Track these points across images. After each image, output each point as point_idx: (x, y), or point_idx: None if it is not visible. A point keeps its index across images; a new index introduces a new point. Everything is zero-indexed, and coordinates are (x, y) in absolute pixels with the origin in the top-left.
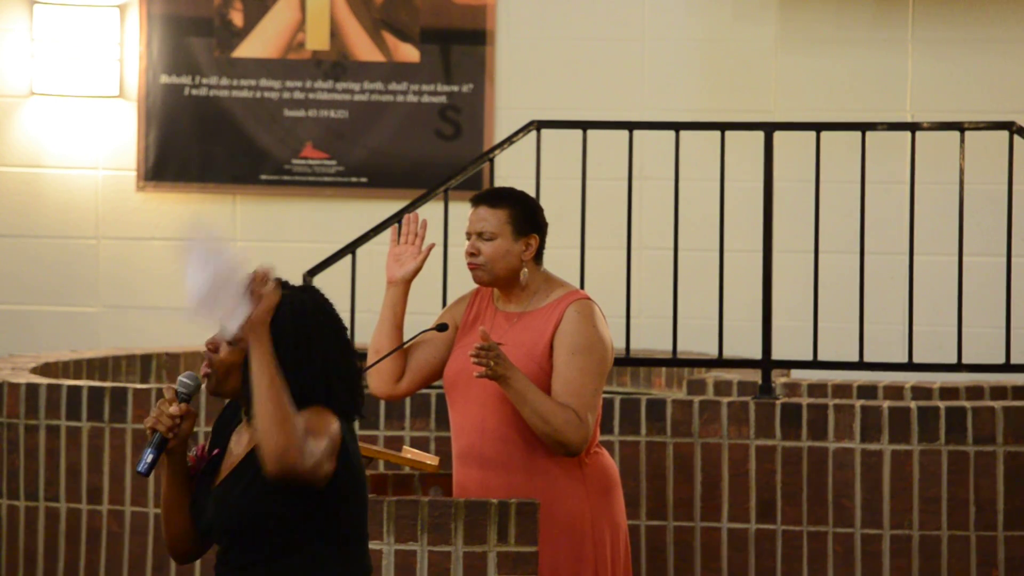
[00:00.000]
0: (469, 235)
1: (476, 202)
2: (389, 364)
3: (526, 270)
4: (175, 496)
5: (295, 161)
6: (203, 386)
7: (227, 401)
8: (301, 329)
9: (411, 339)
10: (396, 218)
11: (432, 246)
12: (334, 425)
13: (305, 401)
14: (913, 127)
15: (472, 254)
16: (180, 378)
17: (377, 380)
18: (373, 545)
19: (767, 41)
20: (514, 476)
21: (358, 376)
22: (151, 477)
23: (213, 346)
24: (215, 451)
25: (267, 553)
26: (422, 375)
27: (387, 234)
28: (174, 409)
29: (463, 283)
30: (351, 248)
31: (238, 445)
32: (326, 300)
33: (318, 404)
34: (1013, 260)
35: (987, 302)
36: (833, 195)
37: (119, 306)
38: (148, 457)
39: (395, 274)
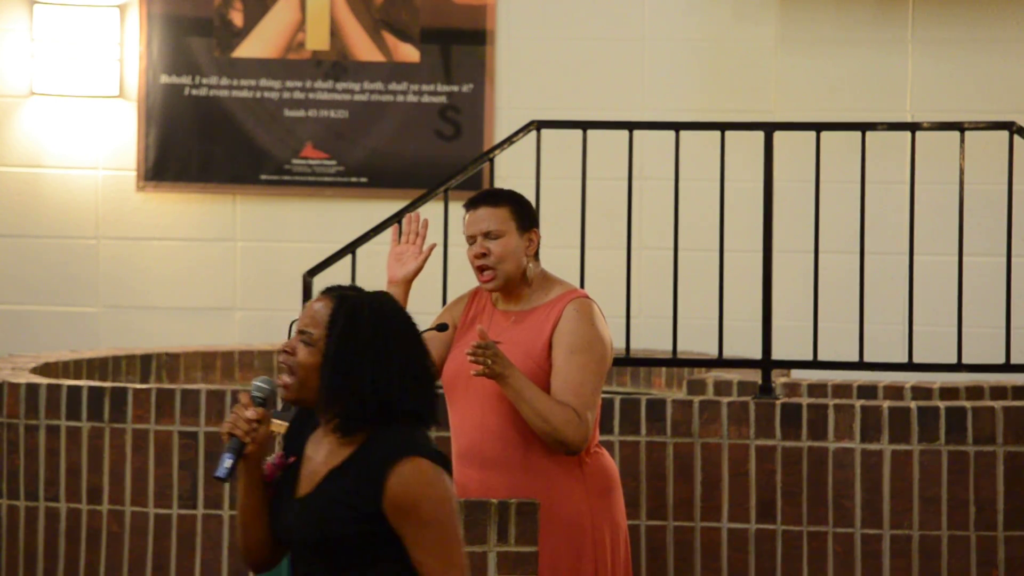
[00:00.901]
0: (472, 239)
1: (474, 204)
2: None
3: (531, 266)
4: (254, 504)
5: (295, 161)
6: (279, 393)
7: (297, 409)
8: (380, 331)
9: None
10: (396, 218)
11: (433, 246)
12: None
13: (379, 404)
14: (913, 127)
15: (482, 255)
16: (255, 382)
17: None
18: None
19: (767, 41)
20: (514, 476)
21: (433, 380)
22: (150, 481)
23: (291, 348)
24: (291, 459)
25: (342, 567)
26: None
27: (387, 234)
28: (251, 413)
29: (463, 283)
30: (351, 248)
31: (316, 453)
32: (403, 308)
33: (390, 407)
34: (1013, 260)
35: (987, 302)
36: (833, 195)
37: (119, 306)
38: (227, 462)
39: (396, 274)
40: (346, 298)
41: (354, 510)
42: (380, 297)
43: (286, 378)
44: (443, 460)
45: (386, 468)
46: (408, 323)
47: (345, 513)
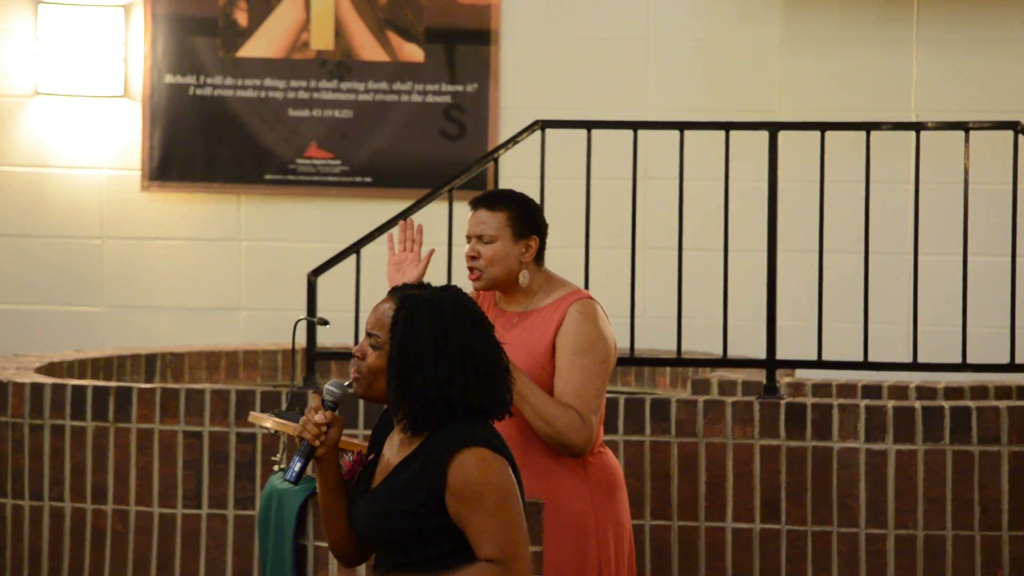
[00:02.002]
0: (469, 238)
1: (475, 205)
2: None
3: (525, 272)
4: (332, 503)
5: (299, 161)
6: (351, 392)
7: (384, 407)
8: (438, 325)
9: None
10: (401, 218)
11: (432, 252)
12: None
13: (443, 402)
14: (917, 127)
15: (472, 257)
16: (327, 386)
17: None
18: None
19: (772, 41)
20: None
21: (504, 372)
22: (155, 481)
23: (361, 352)
24: (371, 456)
25: (405, 560)
26: None
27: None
28: (319, 417)
29: (467, 284)
30: (355, 248)
31: (390, 450)
32: (469, 299)
33: (453, 404)
34: (1018, 260)
35: (992, 302)
36: (837, 195)
37: (124, 306)
38: (296, 466)
39: (398, 283)
40: (407, 298)
41: (415, 503)
42: (441, 293)
43: (356, 376)
44: (506, 450)
45: (447, 459)
46: (470, 316)
47: (406, 506)
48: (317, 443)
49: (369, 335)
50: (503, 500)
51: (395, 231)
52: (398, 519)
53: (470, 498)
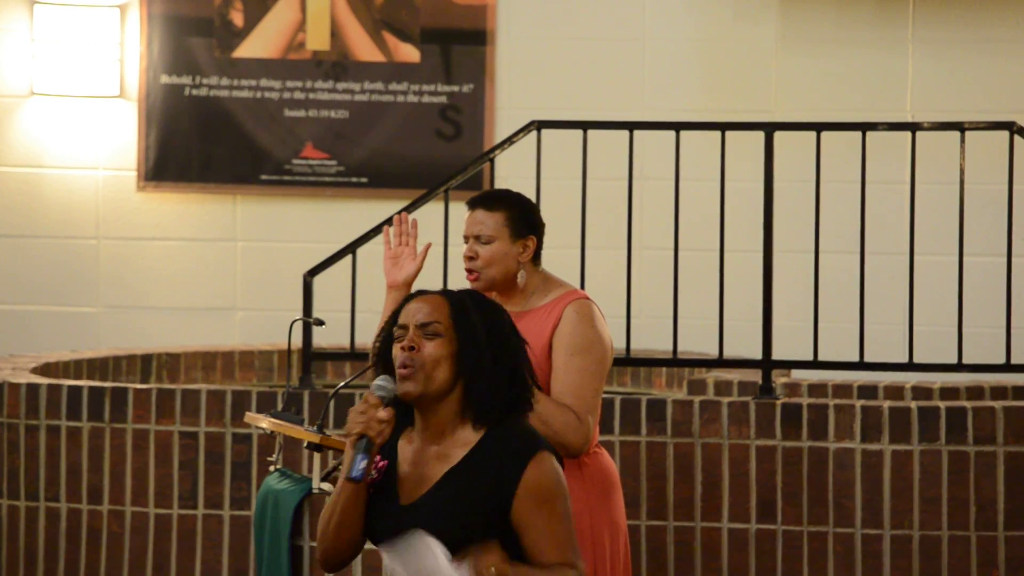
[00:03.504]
0: (466, 239)
1: (472, 205)
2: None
3: (523, 272)
4: (357, 505)
5: (295, 161)
6: (398, 389)
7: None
8: (490, 319)
9: None
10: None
11: (429, 246)
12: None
13: (505, 391)
14: (913, 127)
15: (470, 258)
16: (377, 383)
17: None
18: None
19: (767, 41)
20: None
21: (532, 370)
22: (150, 481)
23: (411, 346)
24: (384, 462)
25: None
26: None
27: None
28: (384, 414)
29: (463, 283)
30: (351, 248)
31: (415, 456)
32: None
33: (513, 393)
34: (1013, 260)
35: (987, 302)
36: (833, 195)
37: (119, 306)
38: (361, 464)
39: (396, 278)
40: (452, 292)
41: (479, 510)
42: (470, 292)
43: (409, 369)
44: (559, 456)
45: (523, 461)
46: (507, 315)
47: (469, 515)
48: (378, 440)
49: (423, 326)
50: (567, 506)
51: (390, 225)
52: (460, 528)
53: (541, 502)
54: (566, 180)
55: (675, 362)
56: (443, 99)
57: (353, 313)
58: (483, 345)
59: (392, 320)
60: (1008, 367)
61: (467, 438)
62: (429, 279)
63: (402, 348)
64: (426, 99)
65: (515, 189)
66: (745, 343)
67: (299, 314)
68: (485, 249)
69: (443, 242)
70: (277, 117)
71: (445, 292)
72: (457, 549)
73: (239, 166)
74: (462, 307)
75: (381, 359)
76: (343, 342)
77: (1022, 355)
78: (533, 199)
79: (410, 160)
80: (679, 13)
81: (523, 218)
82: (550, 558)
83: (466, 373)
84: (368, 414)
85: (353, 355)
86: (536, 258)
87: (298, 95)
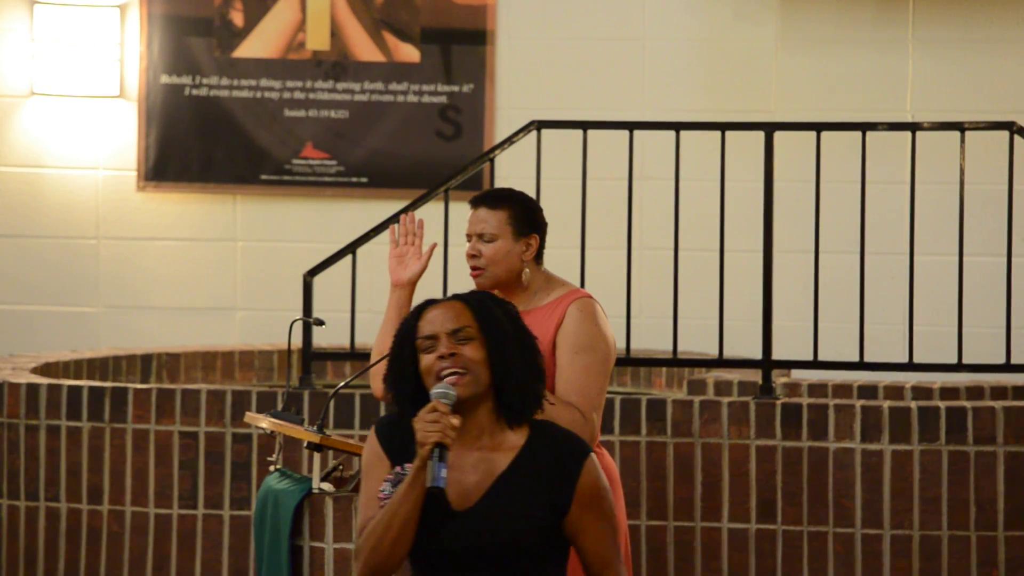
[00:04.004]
0: (469, 237)
1: (475, 203)
2: None
3: (526, 271)
4: (414, 514)
5: (295, 161)
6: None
7: (382, 420)
8: (511, 318)
9: None
10: (396, 218)
11: (434, 246)
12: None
13: (536, 388)
14: (913, 127)
15: (473, 256)
16: (438, 389)
17: (379, 382)
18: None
19: (767, 41)
20: None
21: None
22: (150, 481)
23: (450, 351)
24: (396, 468)
25: (530, 570)
26: None
27: (388, 234)
28: (456, 420)
29: (464, 283)
30: (351, 248)
31: (456, 460)
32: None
33: (540, 391)
34: (1013, 260)
35: (987, 302)
36: (833, 195)
37: (119, 306)
38: (443, 472)
39: (400, 277)
40: (470, 295)
41: (540, 512)
42: (487, 293)
43: (458, 377)
44: None
45: (577, 467)
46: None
47: (527, 519)
48: (453, 446)
49: (455, 332)
50: (612, 504)
51: (396, 224)
52: (522, 531)
53: (595, 503)
54: (566, 180)
55: (675, 362)
56: (443, 99)
57: (353, 313)
58: (512, 343)
59: (406, 334)
60: (1008, 367)
61: (510, 441)
62: (429, 279)
63: (440, 357)
64: (426, 99)
65: (515, 189)
66: (745, 343)
67: (299, 314)
68: (488, 247)
69: (443, 242)
70: (277, 117)
71: (460, 297)
72: (514, 553)
73: (239, 166)
74: (484, 308)
75: (403, 375)
76: (343, 342)
77: (1022, 355)
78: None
79: (410, 160)
80: (679, 13)
81: (526, 217)
82: (606, 560)
83: (499, 373)
84: (442, 422)
85: (353, 355)
86: (539, 257)
87: (298, 95)
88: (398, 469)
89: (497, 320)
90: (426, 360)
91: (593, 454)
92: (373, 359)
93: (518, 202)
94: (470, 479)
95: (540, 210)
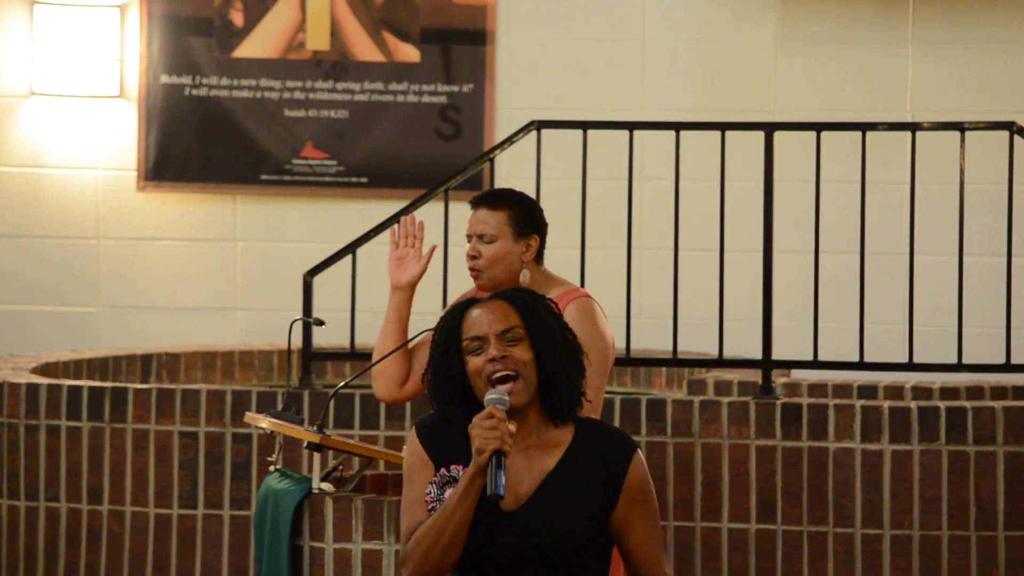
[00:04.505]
0: (469, 237)
1: (476, 204)
2: (393, 367)
3: (527, 271)
4: (469, 520)
5: (295, 161)
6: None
7: (424, 421)
8: (556, 317)
9: (412, 339)
10: (396, 218)
11: (434, 248)
12: None
13: (580, 387)
14: (913, 127)
15: (473, 256)
16: (493, 396)
17: (381, 384)
18: (372, 545)
19: (767, 41)
20: None
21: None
22: (150, 481)
23: (501, 353)
24: (441, 469)
25: (580, 569)
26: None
27: (388, 234)
28: (514, 427)
29: (463, 283)
30: (351, 248)
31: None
32: None
33: (579, 383)
34: (1013, 260)
35: (987, 302)
36: (833, 195)
37: (119, 306)
38: (502, 479)
39: (400, 279)
40: (512, 293)
41: (586, 512)
42: (527, 291)
43: (512, 385)
44: None
45: (627, 460)
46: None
47: (577, 517)
48: (510, 452)
49: (503, 333)
50: (656, 500)
51: (397, 226)
52: (574, 530)
53: (641, 499)
54: (566, 180)
55: (675, 362)
56: (443, 99)
57: (353, 313)
58: (560, 343)
59: (450, 335)
60: (1008, 367)
61: (556, 438)
62: (430, 280)
63: (491, 359)
64: (426, 99)
65: (516, 189)
66: (745, 343)
67: (299, 314)
68: (488, 248)
69: (443, 242)
70: (277, 117)
71: (504, 296)
72: (563, 552)
73: (239, 166)
74: (530, 308)
75: (449, 376)
76: (343, 342)
77: (1022, 355)
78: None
79: (410, 160)
80: (679, 13)
81: (526, 217)
82: (655, 557)
83: (547, 373)
84: (500, 428)
85: (353, 355)
86: (539, 257)
87: (298, 95)
88: (443, 471)
89: (543, 319)
90: (475, 362)
91: (639, 451)
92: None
93: (518, 203)
94: (518, 478)
95: (540, 211)
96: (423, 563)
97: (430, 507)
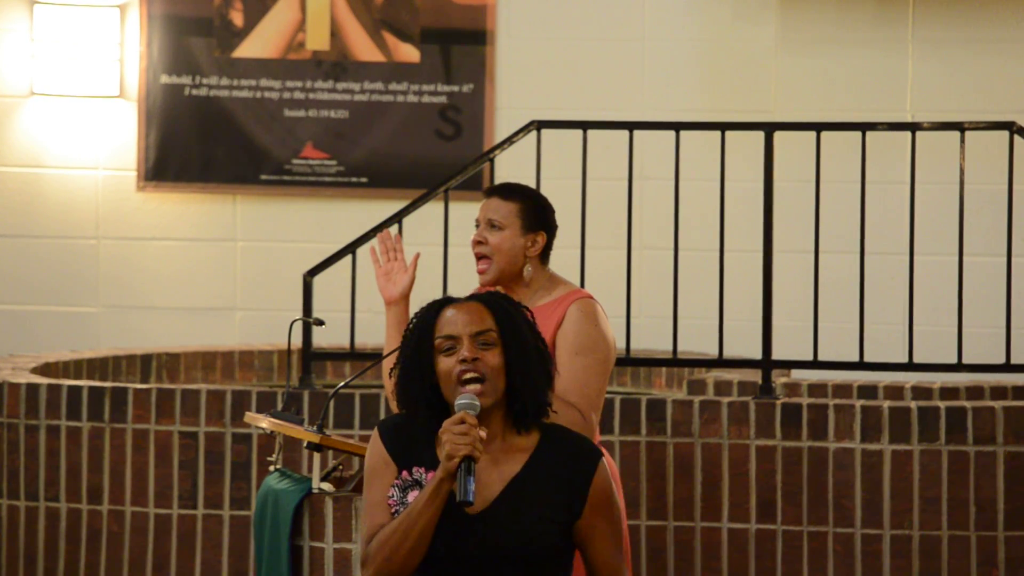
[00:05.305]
0: (478, 223)
1: (489, 193)
2: None
3: (529, 268)
4: (434, 524)
5: (295, 161)
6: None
7: (386, 422)
8: (528, 321)
9: None
10: (396, 218)
11: (417, 255)
12: None
13: (547, 394)
14: (913, 127)
15: (480, 242)
16: (463, 401)
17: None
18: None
19: (767, 41)
20: None
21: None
22: (150, 481)
23: (471, 356)
24: (430, 472)
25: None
26: None
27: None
28: (484, 433)
29: (463, 283)
30: (351, 248)
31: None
32: None
33: (545, 391)
34: (1013, 260)
35: (987, 302)
36: (833, 195)
37: (119, 306)
38: (472, 485)
39: (392, 293)
40: (488, 297)
41: (554, 514)
42: (502, 295)
43: (478, 387)
44: None
45: (591, 469)
46: None
47: (540, 522)
48: (480, 457)
49: (477, 335)
50: (619, 505)
51: (375, 243)
52: (538, 533)
53: (604, 507)
54: (566, 180)
55: (675, 362)
56: (443, 99)
57: (353, 313)
58: (531, 351)
59: (423, 332)
60: (1008, 367)
61: (519, 443)
62: (430, 280)
63: (462, 360)
64: (426, 99)
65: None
66: (745, 343)
67: (299, 314)
68: (495, 235)
69: (443, 242)
70: (277, 117)
71: (480, 298)
72: (526, 557)
73: (239, 166)
74: (505, 313)
75: (419, 374)
76: (343, 342)
77: (1022, 355)
78: None
79: (410, 160)
80: (679, 13)
81: (536, 213)
82: (614, 566)
83: (516, 380)
84: (471, 434)
85: (353, 355)
86: (545, 257)
87: (298, 95)
88: (405, 475)
89: (517, 326)
90: (446, 363)
91: (603, 458)
92: (384, 380)
93: (530, 198)
94: (483, 483)
95: (552, 211)
96: (386, 565)
97: (393, 510)
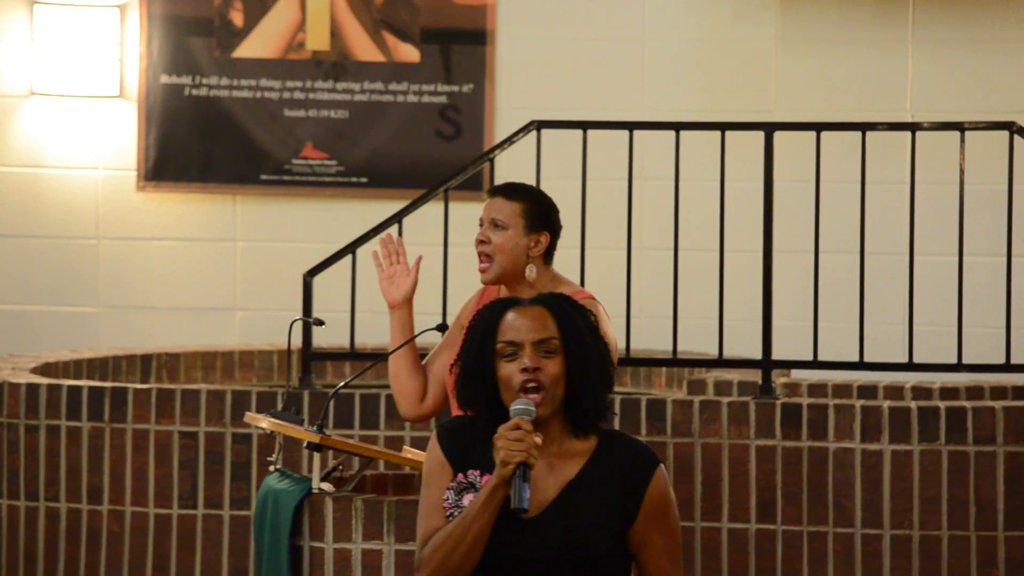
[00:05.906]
0: (481, 222)
1: (493, 193)
2: (409, 383)
3: (532, 267)
4: (489, 529)
5: (295, 161)
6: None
7: (444, 425)
8: (590, 325)
9: (410, 339)
10: (396, 218)
11: (420, 259)
12: None
13: (599, 399)
14: (913, 127)
15: (483, 241)
16: (519, 407)
17: (403, 403)
18: (372, 545)
19: (767, 41)
20: None
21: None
22: (150, 481)
23: (534, 366)
24: (485, 476)
25: None
26: (444, 386)
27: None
28: (539, 438)
29: (463, 283)
30: (351, 248)
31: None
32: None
33: (605, 398)
34: (1013, 260)
35: (987, 302)
36: (833, 195)
37: (119, 306)
38: (527, 492)
39: (395, 297)
40: (549, 299)
41: (610, 520)
42: (566, 298)
43: (538, 395)
44: None
45: (648, 475)
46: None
47: (595, 527)
48: (534, 464)
49: (539, 343)
50: (677, 515)
51: (377, 247)
52: (599, 537)
53: (661, 513)
54: (566, 180)
55: (675, 362)
56: (443, 99)
57: (353, 313)
58: (592, 358)
59: (484, 335)
60: (1008, 367)
61: (576, 448)
62: (431, 278)
63: (524, 369)
64: (426, 99)
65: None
66: (745, 343)
67: (299, 314)
68: (498, 234)
69: (443, 242)
70: (277, 117)
71: (543, 302)
72: (581, 562)
73: (239, 166)
74: (568, 318)
75: (480, 377)
76: (343, 342)
77: (1022, 355)
78: None
79: (410, 160)
80: (679, 13)
81: (540, 213)
82: (665, 574)
83: (577, 386)
84: (527, 441)
85: (353, 355)
86: (548, 257)
87: (298, 95)
88: (460, 477)
89: (580, 332)
90: (507, 369)
91: (662, 465)
92: (392, 384)
93: (534, 198)
94: (539, 487)
95: (556, 211)
96: (440, 569)
97: (448, 513)
